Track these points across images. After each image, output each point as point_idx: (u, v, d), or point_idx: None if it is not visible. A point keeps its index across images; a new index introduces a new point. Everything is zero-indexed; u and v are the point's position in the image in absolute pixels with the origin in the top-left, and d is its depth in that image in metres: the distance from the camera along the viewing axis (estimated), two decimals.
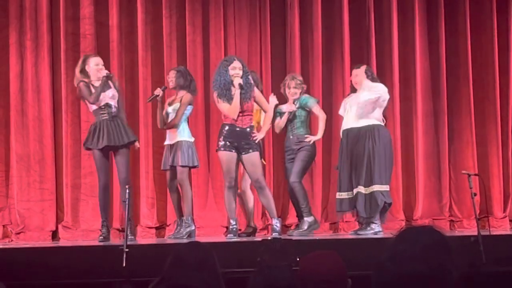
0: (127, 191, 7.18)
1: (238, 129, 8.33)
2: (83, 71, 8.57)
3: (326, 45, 10.40)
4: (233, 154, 8.33)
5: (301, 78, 9.19)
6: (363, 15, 10.50)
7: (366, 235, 8.50)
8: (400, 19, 10.56)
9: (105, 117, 8.52)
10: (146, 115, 9.78)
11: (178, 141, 8.83)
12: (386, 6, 10.54)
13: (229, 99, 8.29)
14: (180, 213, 8.93)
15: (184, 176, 8.81)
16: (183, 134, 8.86)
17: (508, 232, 10.02)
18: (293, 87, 8.99)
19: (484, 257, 7.00)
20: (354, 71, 8.91)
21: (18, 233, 9.66)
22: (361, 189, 8.61)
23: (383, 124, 8.78)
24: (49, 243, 9.47)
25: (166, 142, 8.96)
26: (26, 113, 9.80)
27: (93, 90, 8.46)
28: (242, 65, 8.41)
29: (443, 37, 10.59)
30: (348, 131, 8.78)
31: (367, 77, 8.79)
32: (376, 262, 2.35)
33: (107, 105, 8.53)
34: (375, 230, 8.58)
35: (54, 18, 9.93)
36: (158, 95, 8.85)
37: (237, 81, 8.25)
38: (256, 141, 8.38)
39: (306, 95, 9.12)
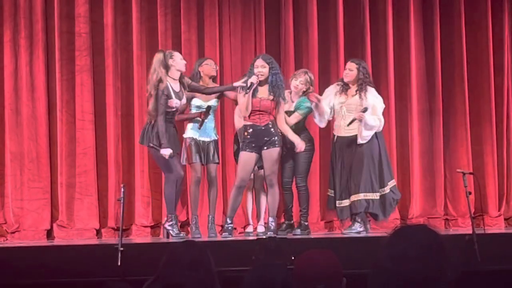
0: (122, 189, 7.17)
1: (257, 127, 8.41)
2: (166, 66, 8.47)
3: (321, 44, 10.39)
4: (253, 156, 8.41)
5: (312, 77, 9.14)
6: (358, 13, 10.50)
7: (351, 234, 8.57)
8: (395, 18, 10.57)
9: (171, 123, 8.48)
10: (141, 114, 9.76)
11: (214, 139, 8.88)
12: (381, 5, 10.54)
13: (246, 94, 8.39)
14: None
15: (217, 174, 8.97)
16: (215, 131, 8.93)
17: (503, 231, 10.04)
18: (299, 81, 8.95)
19: (479, 256, 7.01)
20: (350, 64, 8.90)
21: (13, 232, 9.64)
22: (373, 195, 8.67)
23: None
24: (44, 242, 9.44)
25: (202, 138, 8.82)
26: (20, 111, 9.78)
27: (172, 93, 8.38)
28: (267, 63, 8.45)
29: (438, 36, 10.59)
30: (342, 138, 8.78)
31: (359, 75, 8.76)
32: (371, 261, 2.35)
33: (177, 110, 8.53)
34: (358, 229, 8.63)
35: (49, 16, 9.91)
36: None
37: (252, 79, 8.35)
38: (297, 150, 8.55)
39: (304, 100, 8.99)
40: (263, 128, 8.43)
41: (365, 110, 8.59)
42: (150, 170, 9.81)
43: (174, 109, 8.45)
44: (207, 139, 8.84)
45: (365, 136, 8.66)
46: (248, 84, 8.35)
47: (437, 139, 10.53)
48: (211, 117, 8.85)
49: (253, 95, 8.41)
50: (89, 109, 9.86)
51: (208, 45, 10.18)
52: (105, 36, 9.96)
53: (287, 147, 8.88)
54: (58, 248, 8.52)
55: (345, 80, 8.87)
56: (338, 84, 8.99)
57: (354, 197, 8.69)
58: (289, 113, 8.84)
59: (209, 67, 9.02)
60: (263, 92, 8.47)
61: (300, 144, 8.57)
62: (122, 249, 6.74)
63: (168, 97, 8.35)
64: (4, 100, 9.79)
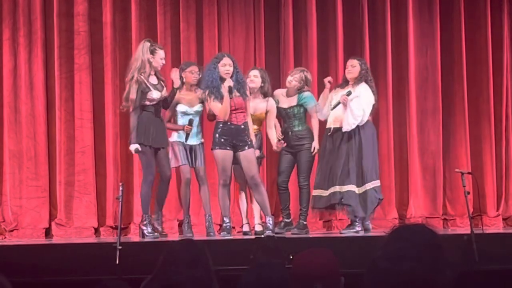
0: (121, 188, 7.17)
1: (233, 126, 8.34)
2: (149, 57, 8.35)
3: (320, 43, 10.39)
4: (229, 152, 8.35)
5: (309, 76, 9.14)
6: (357, 12, 10.50)
7: (349, 233, 8.56)
8: (394, 17, 10.56)
9: (156, 116, 8.36)
10: None
11: (200, 143, 8.90)
12: (380, 3, 10.54)
13: (219, 98, 8.30)
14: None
15: (206, 175, 8.99)
16: (201, 135, 8.94)
17: (501, 231, 10.03)
18: (293, 77, 8.96)
19: (477, 256, 7.01)
20: (352, 61, 8.91)
21: (11, 231, 9.64)
22: (353, 187, 8.64)
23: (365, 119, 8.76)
24: (42, 240, 9.45)
25: (188, 142, 8.84)
26: (19, 109, 9.78)
27: (150, 87, 8.31)
28: (232, 61, 8.41)
29: (438, 35, 10.59)
30: (333, 130, 8.79)
31: (361, 70, 8.77)
32: (369, 260, 2.35)
33: (159, 104, 8.41)
34: (357, 229, 8.63)
35: (48, 14, 9.91)
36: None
37: (227, 83, 8.28)
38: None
39: (308, 94, 9.06)
40: (240, 127, 8.38)
41: (349, 93, 8.60)
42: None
43: (156, 102, 8.37)
44: (193, 143, 8.88)
45: (350, 122, 8.61)
46: (227, 89, 8.27)
47: (435, 138, 10.52)
48: (196, 121, 8.87)
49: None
50: (88, 107, 9.86)
51: (207, 43, 10.18)
52: (104, 34, 9.96)
53: (291, 144, 8.86)
54: (56, 247, 8.51)
55: (349, 76, 8.86)
56: (336, 90, 9.02)
57: (331, 189, 8.70)
58: (292, 108, 8.88)
59: (191, 76, 8.93)
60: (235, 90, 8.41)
61: (276, 144, 8.57)
62: (120, 247, 6.74)
63: (146, 89, 8.25)
64: (3, 98, 9.79)
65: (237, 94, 8.36)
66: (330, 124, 8.85)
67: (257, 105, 8.84)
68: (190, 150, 8.86)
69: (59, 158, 9.78)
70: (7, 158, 9.73)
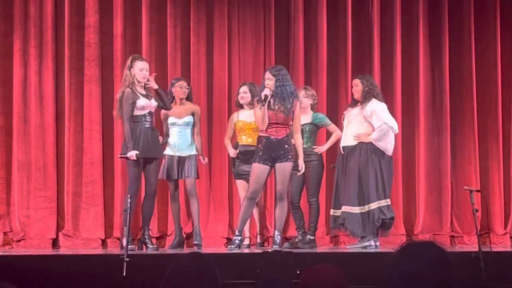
0: (129, 200, 7.18)
1: (274, 140, 8.39)
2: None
3: (330, 58, 10.41)
4: (266, 168, 8.40)
5: (313, 92, 9.24)
6: (367, 29, 10.51)
7: (356, 249, 8.56)
8: (403, 35, 10.56)
9: (148, 126, 8.43)
10: None
11: (191, 154, 8.95)
12: (390, 21, 10.55)
13: (261, 107, 8.40)
14: (180, 223, 9.03)
15: (195, 188, 8.99)
16: (194, 146, 8.93)
17: (509, 249, 9.98)
18: (302, 96, 9.01)
19: (485, 274, 6.98)
20: (354, 81, 8.99)
21: (19, 241, 9.65)
22: (349, 209, 8.67)
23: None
24: (49, 251, 9.45)
25: (173, 153, 8.98)
26: (28, 120, 9.80)
27: (138, 95, 8.35)
28: (274, 75, 8.46)
29: (447, 53, 10.59)
30: (345, 148, 8.84)
31: (364, 88, 8.80)
32: (380, 277, 2.34)
33: (151, 113, 8.46)
34: (364, 244, 8.62)
35: (59, 26, 9.95)
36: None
37: (264, 92, 8.37)
38: (300, 173, 8.62)
39: (321, 114, 9.17)
40: (282, 139, 8.42)
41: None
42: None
43: (148, 111, 8.40)
44: (182, 154, 8.93)
45: (376, 136, 8.74)
46: (263, 97, 8.34)
47: (444, 155, 10.51)
48: (185, 133, 8.93)
49: (269, 108, 8.40)
50: (97, 119, 9.88)
51: (217, 57, 10.20)
52: (114, 46, 9.99)
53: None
54: (63, 258, 8.51)
55: (355, 97, 8.93)
56: (348, 110, 9.09)
57: (343, 208, 8.75)
58: (305, 125, 8.96)
59: (179, 90, 9.08)
60: (276, 104, 8.47)
61: (303, 167, 8.61)
62: (127, 259, 6.73)
63: (135, 98, 8.29)
64: (12, 108, 9.81)
65: (280, 108, 8.40)
66: (342, 143, 8.91)
67: (251, 115, 8.93)
68: (178, 162, 8.93)
69: (67, 169, 9.79)
70: (16, 169, 9.75)
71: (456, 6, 10.69)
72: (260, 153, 8.40)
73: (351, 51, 10.41)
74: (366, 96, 8.80)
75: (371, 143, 8.72)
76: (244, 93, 9.14)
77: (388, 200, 8.76)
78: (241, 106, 9.20)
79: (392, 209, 8.85)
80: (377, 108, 8.75)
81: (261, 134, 8.46)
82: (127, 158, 8.33)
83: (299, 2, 10.36)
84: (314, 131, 9.16)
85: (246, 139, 9.10)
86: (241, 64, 10.26)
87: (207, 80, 10.18)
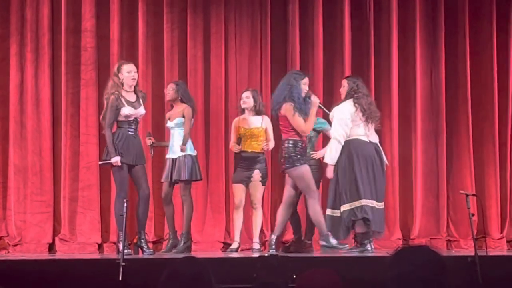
0: (125, 204, 7.18)
1: (303, 144, 8.56)
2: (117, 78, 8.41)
3: (327, 62, 10.42)
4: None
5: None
6: (364, 33, 10.53)
7: (352, 253, 8.52)
8: (400, 38, 10.58)
9: (131, 132, 8.42)
10: (146, 130, 9.75)
11: (182, 155, 8.92)
12: (387, 25, 10.56)
13: (303, 114, 8.44)
14: (174, 227, 9.03)
15: (187, 191, 8.98)
16: (187, 148, 8.94)
17: (505, 253, 10.00)
18: None
19: (481, 278, 6.99)
20: (342, 81, 8.98)
21: (15, 245, 9.64)
22: (328, 211, 8.67)
23: (362, 138, 8.66)
24: (45, 255, 9.44)
25: (169, 156, 9.01)
26: (25, 124, 9.80)
27: (124, 102, 8.34)
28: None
29: (443, 57, 10.61)
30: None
31: (348, 90, 8.75)
32: (376, 281, 2.35)
33: (136, 121, 8.46)
34: (360, 249, 8.57)
35: (55, 30, 9.95)
36: (152, 143, 9.03)
37: (316, 99, 8.52)
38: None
39: (321, 119, 9.15)
40: (304, 144, 8.61)
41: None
42: (154, 185, 9.80)
43: (132, 119, 8.39)
44: (174, 156, 8.98)
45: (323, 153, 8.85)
46: (316, 105, 8.50)
47: (440, 159, 10.52)
48: (176, 134, 8.99)
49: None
50: (94, 123, 9.87)
51: (214, 61, 10.21)
52: (111, 50, 9.99)
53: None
54: (59, 262, 8.50)
55: (342, 97, 8.87)
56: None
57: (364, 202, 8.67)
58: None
59: (168, 93, 9.18)
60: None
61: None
62: (124, 264, 6.73)
63: (120, 105, 8.28)
64: (9, 113, 9.81)
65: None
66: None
67: (252, 122, 9.09)
68: (173, 164, 8.96)
69: (64, 174, 9.79)
70: (12, 173, 9.75)
71: (453, 10, 10.70)
72: (299, 156, 8.46)
73: (348, 55, 10.42)
74: (346, 97, 8.76)
75: (347, 143, 8.59)
76: (246, 98, 9.15)
77: (362, 201, 8.59)
78: (243, 111, 9.21)
79: (365, 210, 8.64)
80: (335, 115, 8.66)
81: (290, 137, 8.48)
82: (111, 164, 8.32)
83: (295, 6, 10.37)
84: (313, 136, 9.10)
85: (248, 146, 9.09)
86: (238, 68, 10.26)
87: (204, 84, 10.18)
